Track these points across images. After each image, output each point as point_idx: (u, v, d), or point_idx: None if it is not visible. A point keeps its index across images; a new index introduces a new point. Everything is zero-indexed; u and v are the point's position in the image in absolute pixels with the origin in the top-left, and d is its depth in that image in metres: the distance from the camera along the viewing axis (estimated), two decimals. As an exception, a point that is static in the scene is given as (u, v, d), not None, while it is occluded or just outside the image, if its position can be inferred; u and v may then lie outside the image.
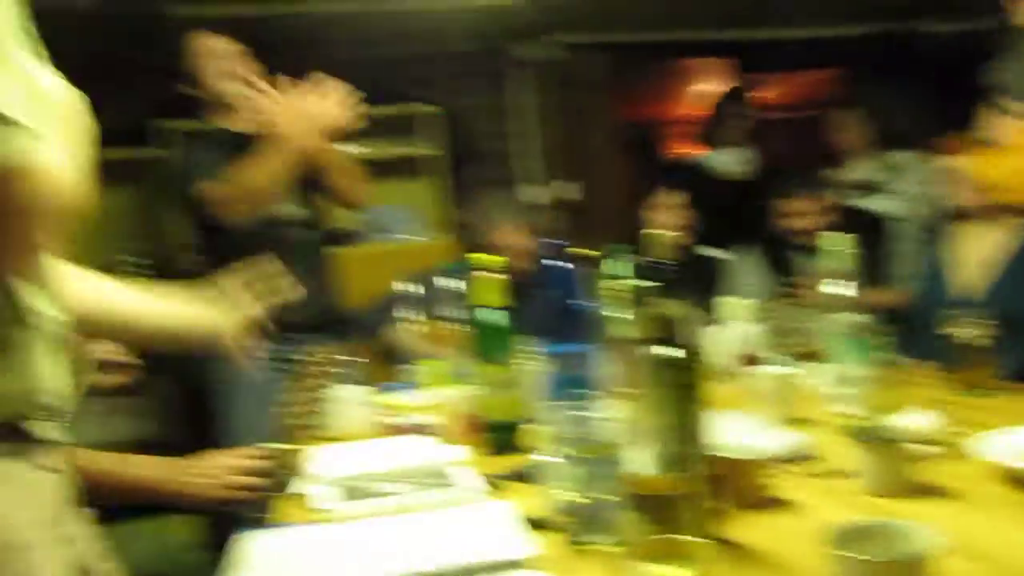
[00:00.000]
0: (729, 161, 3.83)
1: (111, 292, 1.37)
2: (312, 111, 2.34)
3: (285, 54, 3.97)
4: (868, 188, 3.58)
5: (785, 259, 3.16)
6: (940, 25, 4.95)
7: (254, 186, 2.33)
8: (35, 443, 0.92)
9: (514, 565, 1.05)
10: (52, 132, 0.86)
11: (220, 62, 2.52)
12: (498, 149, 4.47)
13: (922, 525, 0.88)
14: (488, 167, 4.31)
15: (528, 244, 2.87)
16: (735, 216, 3.36)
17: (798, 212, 3.10)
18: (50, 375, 0.94)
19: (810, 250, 3.07)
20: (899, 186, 3.58)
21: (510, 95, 4.52)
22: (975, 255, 2.49)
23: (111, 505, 1.70)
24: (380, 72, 4.19)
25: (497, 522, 1.19)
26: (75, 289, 1.28)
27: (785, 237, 3.17)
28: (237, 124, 2.49)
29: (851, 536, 0.86)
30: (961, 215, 2.55)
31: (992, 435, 1.35)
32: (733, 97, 4.06)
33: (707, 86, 6.54)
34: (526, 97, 4.49)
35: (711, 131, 4.05)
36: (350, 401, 1.96)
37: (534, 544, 1.10)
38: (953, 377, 1.93)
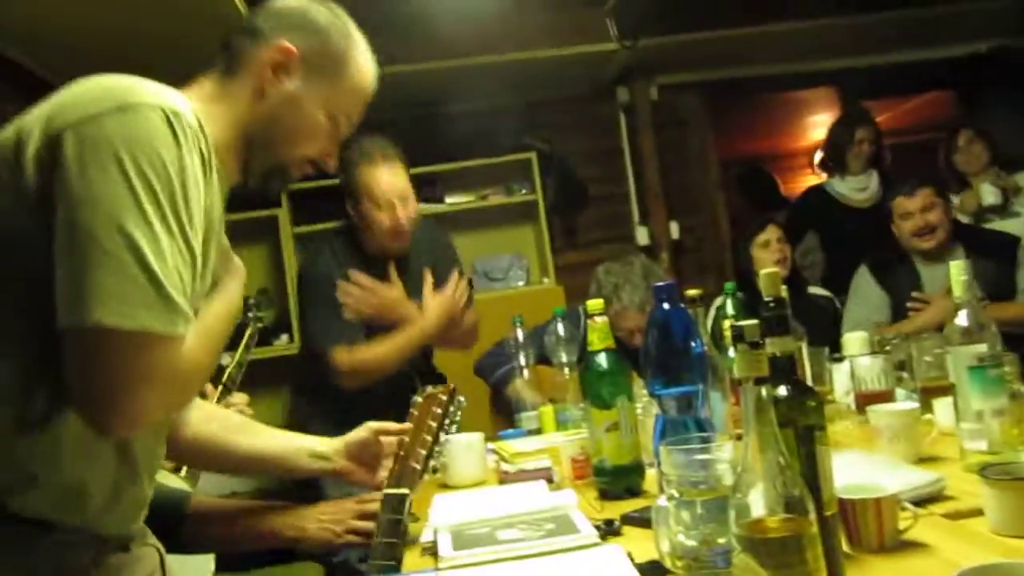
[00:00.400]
0: (854, 188, 3.74)
1: (224, 433, 1.49)
2: (446, 309, 2.50)
3: (398, 109, 4.17)
4: (994, 211, 3.44)
5: (904, 273, 3.05)
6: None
7: (383, 367, 2.44)
8: None
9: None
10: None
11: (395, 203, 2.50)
12: (605, 192, 4.50)
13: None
14: (595, 211, 4.34)
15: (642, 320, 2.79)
16: (863, 243, 3.27)
17: (909, 212, 3.00)
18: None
19: (926, 256, 2.97)
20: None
21: (615, 138, 4.55)
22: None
23: (241, 553, 1.78)
24: (485, 122, 4.30)
25: (612, 567, 1.19)
26: (195, 421, 1.42)
27: (900, 247, 3.07)
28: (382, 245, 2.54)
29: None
30: None
31: None
32: (852, 123, 3.97)
33: (814, 117, 6.44)
34: (630, 139, 4.52)
35: (833, 159, 3.97)
36: (466, 448, 1.99)
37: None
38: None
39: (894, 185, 3.23)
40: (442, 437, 1.58)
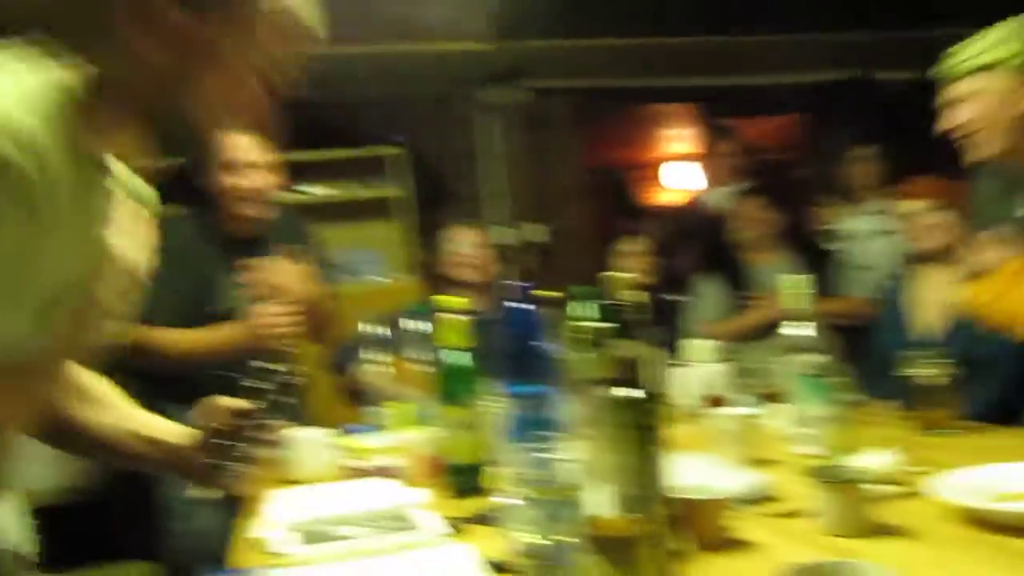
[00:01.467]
0: (722, 198, 3.88)
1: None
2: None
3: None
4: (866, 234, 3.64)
5: (742, 275, 3.23)
6: (896, 73, 5.08)
7: (173, 353, 2.30)
8: None
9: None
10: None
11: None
12: (466, 191, 4.50)
13: (878, 565, 0.88)
14: (456, 209, 4.33)
15: (492, 280, 2.92)
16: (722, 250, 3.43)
17: (748, 218, 3.20)
18: None
19: (759, 260, 3.17)
20: (865, 228, 3.64)
21: (478, 138, 4.56)
22: (935, 297, 2.54)
23: (68, 552, 1.66)
24: (348, 113, 4.22)
25: (458, 566, 1.18)
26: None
27: (739, 252, 3.25)
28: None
29: (804, 576, 0.87)
30: (922, 258, 2.60)
31: (950, 475, 1.37)
32: (722, 136, 4.14)
33: (676, 131, 6.66)
34: (494, 140, 4.54)
35: (704, 170, 4.15)
36: (311, 443, 1.94)
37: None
38: (912, 417, 1.95)
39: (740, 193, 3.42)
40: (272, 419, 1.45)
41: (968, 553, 1.14)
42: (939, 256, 2.54)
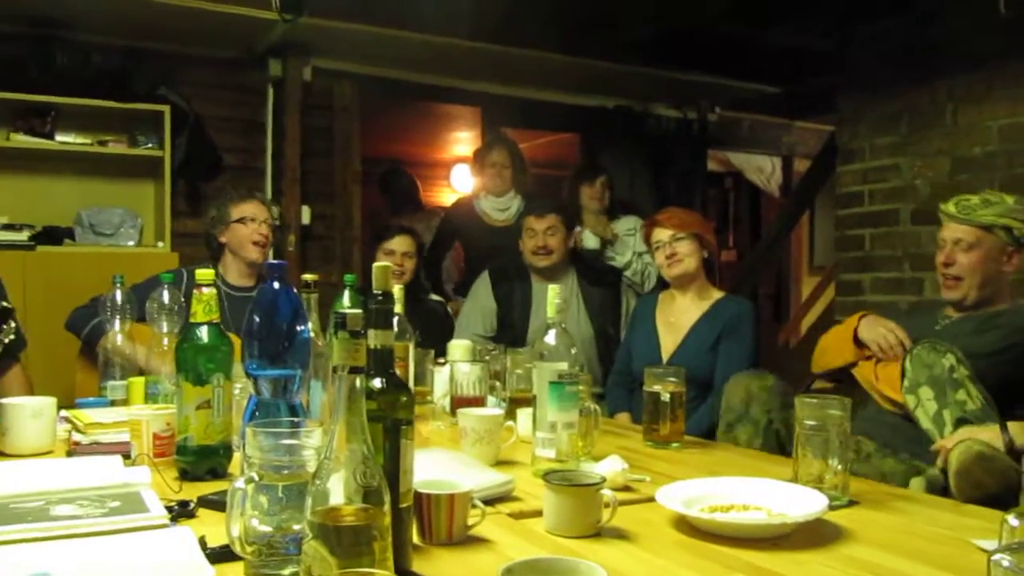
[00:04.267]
0: (496, 207, 3.92)
1: None
2: None
3: (16, 24, 3.66)
4: (593, 255, 3.81)
5: (519, 287, 3.29)
6: (666, 110, 5.45)
7: None
8: None
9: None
10: None
11: None
12: (241, 164, 4.30)
13: (592, 563, 0.93)
14: (228, 181, 4.14)
15: (257, 259, 2.82)
16: (497, 258, 3.46)
17: (535, 230, 3.24)
18: None
19: (541, 274, 3.23)
20: (621, 250, 3.84)
21: (260, 110, 4.38)
22: (678, 320, 2.72)
23: None
24: (124, 62, 3.92)
25: (177, 549, 1.12)
26: None
27: (522, 262, 3.30)
28: None
29: (523, 571, 0.90)
30: (671, 282, 2.78)
31: (671, 485, 1.47)
32: (490, 145, 4.18)
33: (458, 132, 6.74)
34: (275, 115, 4.37)
35: (475, 175, 4.16)
36: (31, 413, 1.78)
37: (213, 574, 1.05)
38: (645, 429, 2.08)
39: (530, 206, 3.46)
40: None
41: (680, 557, 1.23)
42: (677, 281, 2.73)
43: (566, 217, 3.30)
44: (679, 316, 2.73)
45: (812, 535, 1.31)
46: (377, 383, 1.08)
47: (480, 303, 3.33)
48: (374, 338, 1.08)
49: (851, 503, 1.51)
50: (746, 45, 4.32)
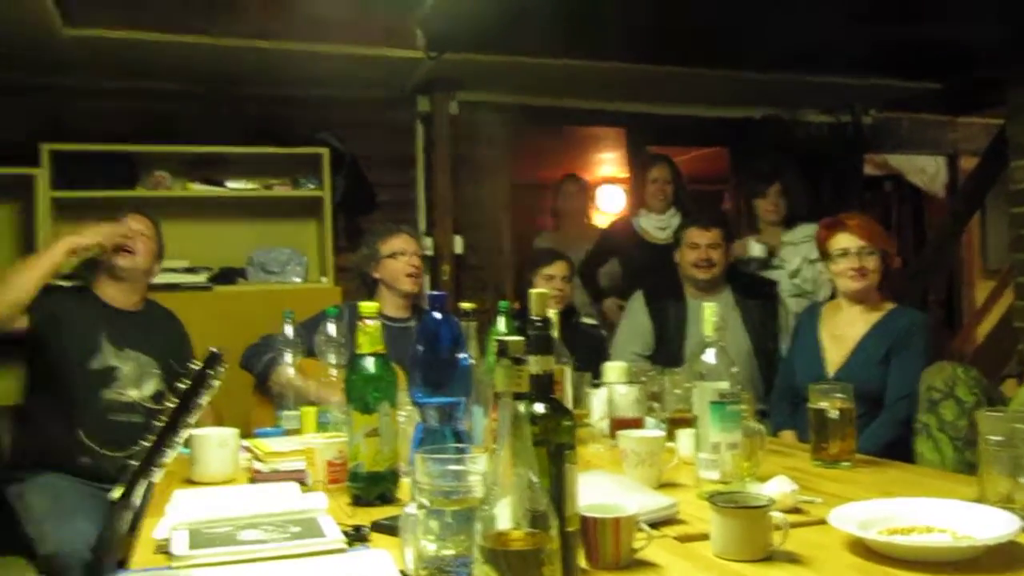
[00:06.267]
0: (655, 225, 3.93)
1: None
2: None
3: (191, 81, 3.96)
4: (758, 264, 3.73)
5: (673, 305, 3.25)
6: (816, 116, 5.27)
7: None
8: None
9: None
10: None
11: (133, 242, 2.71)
12: (395, 199, 4.47)
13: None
14: (383, 215, 4.30)
15: (412, 290, 2.91)
16: (658, 275, 3.45)
17: (697, 244, 3.20)
18: None
19: (699, 288, 3.18)
20: (789, 258, 3.74)
21: (410, 146, 4.54)
22: (844, 333, 2.61)
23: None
24: (283, 110, 4.16)
25: (374, 573, 1.16)
26: None
27: (677, 279, 3.26)
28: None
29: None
30: (843, 295, 2.66)
31: (844, 506, 1.41)
32: (648, 163, 4.20)
33: (606, 154, 6.75)
34: (425, 149, 4.52)
35: (636, 195, 4.19)
36: (217, 443, 1.90)
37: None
38: (813, 448, 2.01)
39: (692, 218, 3.43)
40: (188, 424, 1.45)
41: (855, 582, 1.18)
42: (856, 295, 2.61)
43: (727, 231, 3.26)
44: (846, 328, 2.61)
45: (1003, 559, 1.23)
46: (539, 408, 1.09)
47: (636, 322, 3.31)
48: (535, 364, 1.10)
49: (1046, 524, 1.40)
50: (901, 42, 4.12)
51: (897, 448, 2.21)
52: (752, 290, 3.30)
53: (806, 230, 3.74)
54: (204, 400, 1.40)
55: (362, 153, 4.30)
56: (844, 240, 2.58)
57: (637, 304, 3.33)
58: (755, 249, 3.73)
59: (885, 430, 2.34)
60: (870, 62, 4.41)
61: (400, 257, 2.97)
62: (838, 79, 4.63)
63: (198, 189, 3.98)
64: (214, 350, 1.38)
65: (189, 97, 4.06)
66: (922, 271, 5.50)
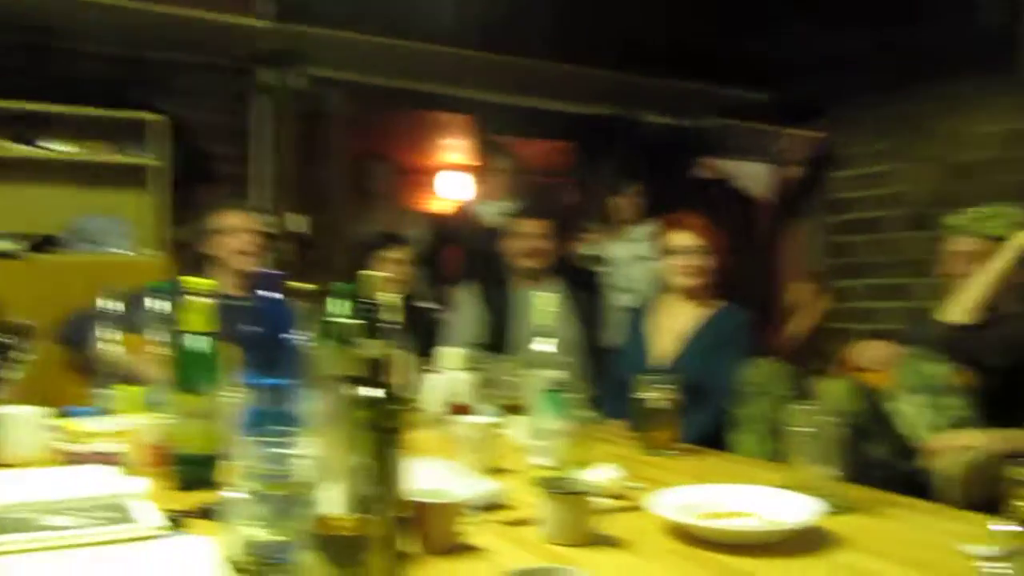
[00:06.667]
0: (496, 211, 3.94)
1: None
2: None
3: (12, 31, 3.66)
4: (600, 259, 3.84)
5: (503, 294, 3.29)
6: (659, 118, 5.47)
7: None
8: None
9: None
10: None
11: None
12: (230, 172, 4.30)
13: (586, 571, 0.93)
14: (217, 188, 4.13)
15: (245, 268, 2.82)
16: (491, 266, 3.46)
17: (524, 233, 3.23)
18: None
19: (528, 278, 3.24)
20: (622, 255, 3.86)
21: (250, 118, 4.38)
22: (674, 327, 2.72)
23: None
24: (117, 71, 3.92)
25: (190, 559, 1.11)
26: None
27: (505, 267, 3.30)
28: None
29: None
30: (675, 290, 2.77)
31: (666, 492, 1.47)
32: (491, 151, 4.23)
33: (451, 141, 6.74)
34: (265, 123, 4.37)
35: (476, 183, 4.20)
36: (22, 422, 1.77)
37: (211, 585, 1.05)
38: (638, 437, 2.08)
39: (520, 208, 3.47)
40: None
41: (674, 564, 1.23)
42: (689, 292, 2.71)
43: (556, 222, 3.31)
44: (675, 323, 2.73)
45: (805, 542, 1.31)
46: (372, 392, 1.08)
47: (467, 312, 3.33)
48: (370, 347, 1.08)
49: (844, 509, 1.51)
50: (738, 53, 4.34)
51: (716, 438, 2.33)
52: (579, 281, 3.38)
53: (644, 229, 3.88)
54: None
55: (199, 122, 4.12)
56: (683, 238, 2.69)
57: (469, 293, 3.35)
58: (590, 247, 3.85)
59: (707, 421, 2.46)
60: (710, 70, 4.62)
61: (234, 234, 2.87)
62: (680, 83, 4.82)
63: (13, 148, 3.70)
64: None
65: (7, 48, 3.76)
66: (747, 272, 5.81)
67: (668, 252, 2.71)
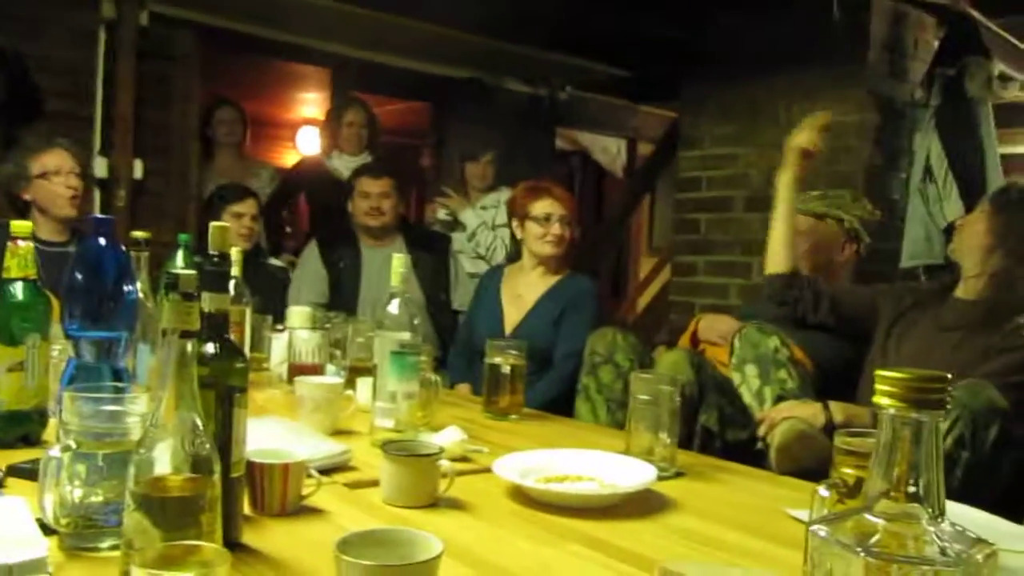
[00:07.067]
0: (348, 166, 3.83)
1: None
2: None
3: None
4: (445, 224, 3.82)
5: (348, 253, 3.24)
6: (517, 85, 5.48)
7: None
8: None
9: (26, 569, 0.91)
10: None
11: None
12: (64, 108, 4.00)
13: (427, 533, 0.92)
14: (47, 126, 3.84)
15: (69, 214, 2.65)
16: (334, 225, 3.38)
17: (368, 192, 3.20)
18: None
19: (371, 236, 3.20)
20: (472, 222, 3.86)
21: (90, 54, 4.08)
22: (524, 294, 2.75)
23: None
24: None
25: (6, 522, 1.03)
26: None
27: (350, 226, 3.25)
28: None
29: (359, 543, 0.88)
30: (522, 255, 2.79)
31: (508, 456, 1.49)
32: (344, 105, 4.11)
33: (306, 93, 6.54)
34: (107, 61, 4.09)
35: (331, 136, 4.07)
36: None
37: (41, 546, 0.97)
38: (485, 401, 2.10)
39: (365, 167, 3.41)
40: None
41: (514, 527, 1.25)
42: (547, 260, 2.74)
43: (400, 182, 3.28)
44: (525, 290, 2.76)
45: (641, 505, 1.36)
46: (210, 348, 1.03)
47: (310, 270, 3.25)
48: (208, 301, 1.03)
49: (678, 474, 1.58)
50: (600, 28, 4.39)
51: (560, 404, 2.38)
52: (425, 242, 3.37)
53: (495, 196, 3.89)
54: None
55: (31, 53, 3.80)
56: (548, 206, 2.70)
57: (312, 252, 3.28)
58: (443, 212, 3.84)
59: (551, 387, 2.50)
60: (568, 41, 4.66)
61: (54, 177, 2.68)
62: (540, 53, 4.84)
63: None
64: None
65: None
66: (598, 243, 5.95)
67: (529, 218, 2.72)
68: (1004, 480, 1.75)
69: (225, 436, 1.03)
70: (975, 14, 3.46)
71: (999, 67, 3.63)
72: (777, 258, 2.37)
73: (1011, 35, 3.84)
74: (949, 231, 3.27)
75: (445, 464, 1.33)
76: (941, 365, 1.83)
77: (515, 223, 2.78)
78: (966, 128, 3.40)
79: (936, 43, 3.61)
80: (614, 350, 2.30)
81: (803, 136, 2.32)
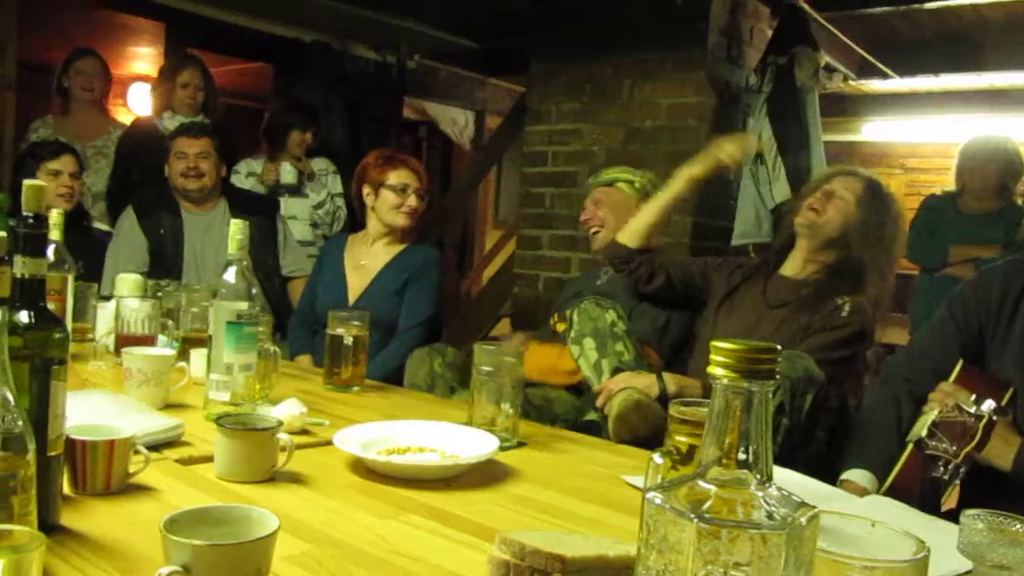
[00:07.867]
0: (173, 128, 3.61)
1: None
2: None
3: None
4: (289, 189, 3.69)
5: (167, 218, 3.09)
6: (365, 51, 5.37)
7: None
8: None
9: None
10: None
11: None
12: None
13: (263, 509, 0.89)
14: None
15: None
16: (153, 189, 3.18)
17: (186, 153, 3.04)
18: None
19: (191, 201, 3.06)
20: (317, 189, 3.76)
21: None
22: (367, 264, 2.71)
23: None
24: None
25: None
26: None
27: (169, 190, 3.11)
28: None
29: (189, 521, 0.85)
30: (368, 224, 2.75)
31: (349, 428, 1.46)
32: (179, 64, 3.85)
33: (138, 48, 6.17)
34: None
35: (164, 95, 3.79)
36: None
37: None
38: (326, 372, 2.06)
39: (182, 127, 3.23)
40: None
41: (355, 500, 1.23)
42: (398, 231, 2.70)
43: (219, 142, 3.13)
44: (368, 260, 2.71)
45: (483, 475, 1.37)
46: (24, 317, 0.96)
47: (127, 238, 3.03)
48: (21, 266, 0.95)
49: (520, 444, 1.60)
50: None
51: (402, 375, 2.36)
52: (251, 206, 3.22)
53: (321, 163, 3.80)
54: None
55: None
56: (405, 176, 2.67)
57: (128, 219, 3.07)
58: (287, 175, 3.69)
59: (395, 358, 2.48)
60: (420, 9, 4.60)
61: None
62: (388, 18, 4.76)
63: None
64: None
65: None
66: (444, 214, 5.94)
67: (386, 188, 2.66)
68: (818, 445, 1.88)
69: (41, 412, 0.97)
70: (805, 6, 3.65)
71: (825, 58, 3.85)
72: (633, 234, 2.46)
73: (835, 28, 4.08)
74: (776, 211, 3.46)
75: (284, 438, 1.30)
76: (766, 340, 1.94)
77: (367, 190, 2.71)
78: (794, 115, 3.59)
79: (770, 32, 3.78)
80: (433, 382, 2.26)
81: (730, 147, 2.40)
